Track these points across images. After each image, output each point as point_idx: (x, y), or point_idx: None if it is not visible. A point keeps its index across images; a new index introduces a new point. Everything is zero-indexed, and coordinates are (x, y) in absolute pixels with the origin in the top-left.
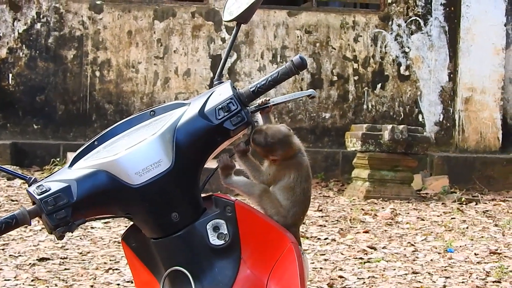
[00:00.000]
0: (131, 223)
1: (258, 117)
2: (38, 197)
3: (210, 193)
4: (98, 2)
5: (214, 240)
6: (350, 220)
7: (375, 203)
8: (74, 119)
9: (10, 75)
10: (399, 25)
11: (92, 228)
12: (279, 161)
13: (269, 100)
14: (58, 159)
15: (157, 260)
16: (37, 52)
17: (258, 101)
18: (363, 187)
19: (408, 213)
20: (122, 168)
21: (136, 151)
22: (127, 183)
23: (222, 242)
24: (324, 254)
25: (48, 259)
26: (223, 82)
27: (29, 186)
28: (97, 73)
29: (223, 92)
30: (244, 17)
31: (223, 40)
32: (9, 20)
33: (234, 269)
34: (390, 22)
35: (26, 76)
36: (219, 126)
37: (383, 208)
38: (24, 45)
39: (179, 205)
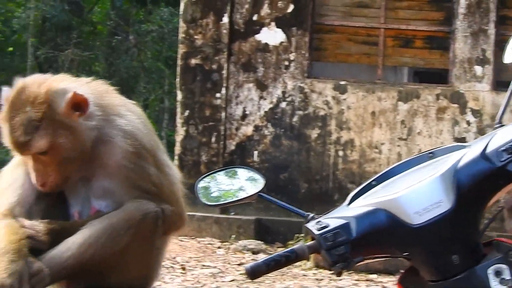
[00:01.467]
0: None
1: None
2: (317, 232)
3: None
4: (342, 83)
5: (496, 285)
6: None
7: None
8: (316, 198)
9: (256, 152)
10: None
11: None
12: None
13: None
14: (302, 235)
15: None
16: (282, 130)
17: None
18: None
19: None
20: (401, 207)
21: (416, 191)
22: (407, 223)
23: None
24: None
25: None
26: (504, 125)
27: (307, 222)
28: (340, 153)
29: (506, 133)
30: None
31: (468, 123)
32: (256, 99)
33: None
34: None
35: (271, 153)
36: (502, 169)
37: None
38: (269, 123)
39: (459, 248)
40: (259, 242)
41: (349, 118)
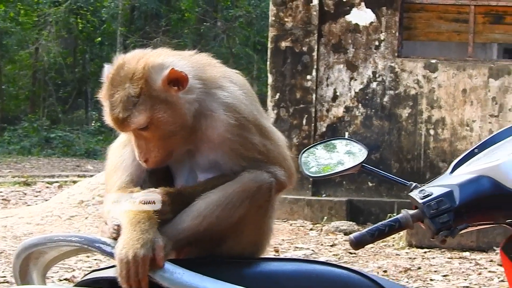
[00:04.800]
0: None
1: None
2: (421, 201)
3: None
4: (433, 61)
5: None
6: None
7: None
8: (408, 177)
9: (347, 133)
10: None
11: (431, 280)
12: None
13: None
14: (394, 214)
15: None
16: (373, 110)
17: None
18: None
19: None
20: (505, 174)
21: None
22: (511, 189)
23: None
24: None
25: None
26: None
27: (410, 191)
28: (431, 132)
29: None
30: None
31: None
32: (346, 80)
33: None
34: None
35: (362, 134)
36: None
37: None
38: (360, 104)
39: None
40: (351, 223)
41: (440, 97)
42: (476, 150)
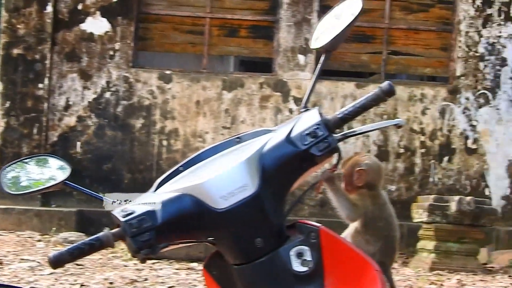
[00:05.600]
0: (212, 251)
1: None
2: (122, 219)
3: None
4: (168, 72)
5: (297, 267)
6: None
7: (441, 274)
8: (140, 188)
9: (79, 143)
10: (467, 98)
11: None
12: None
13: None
14: None
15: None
16: (106, 120)
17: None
18: (429, 258)
19: (474, 284)
20: (207, 192)
21: (222, 176)
22: (212, 207)
23: (306, 269)
24: None
25: None
26: (309, 109)
27: (113, 209)
28: (164, 142)
29: (310, 118)
30: (333, 45)
31: (290, 111)
32: (79, 89)
33: None
34: (458, 95)
35: (94, 144)
36: (306, 152)
37: (449, 279)
38: (93, 114)
39: (263, 231)
40: (80, 234)
41: (174, 108)
42: (181, 168)
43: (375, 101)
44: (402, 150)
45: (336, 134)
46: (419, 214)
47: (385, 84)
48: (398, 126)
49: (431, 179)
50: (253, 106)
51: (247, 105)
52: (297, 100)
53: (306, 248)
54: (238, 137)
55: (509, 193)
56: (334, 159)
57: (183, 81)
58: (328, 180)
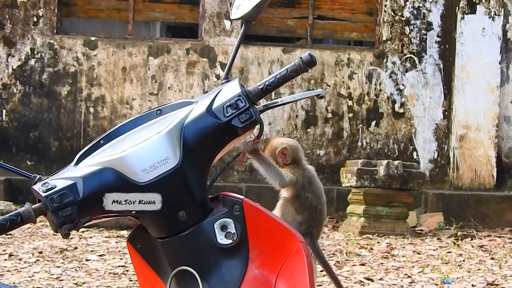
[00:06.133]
0: (136, 226)
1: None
2: (43, 194)
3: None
4: (93, 39)
5: (221, 239)
6: (346, 253)
7: (370, 238)
8: (68, 155)
9: (4, 111)
10: (394, 63)
11: (87, 260)
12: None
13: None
14: None
15: (163, 260)
16: (31, 88)
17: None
18: (358, 222)
19: (404, 247)
20: (128, 165)
21: (143, 148)
22: (134, 181)
23: (230, 241)
24: (321, 285)
25: None
26: (230, 80)
27: (33, 184)
28: (91, 109)
29: (231, 89)
30: (252, 15)
31: (218, 76)
32: (3, 56)
33: (242, 268)
34: (385, 60)
35: (20, 112)
36: (227, 124)
37: (378, 242)
38: (18, 81)
39: (186, 204)
40: (9, 202)
41: (100, 74)
42: (101, 142)
43: (296, 72)
44: (330, 115)
45: (258, 105)
46: (347, 179)
47: (305, 54)
48: (319, 96)
49: (359, 144)
50: (180, 72)
51: (174, 71)
52: (224, 66)
53: (230, 220)
54: (159, 110)
55: (437, 156)
56: (256, 130)
57: (108, 47)
58: (252, 152)
